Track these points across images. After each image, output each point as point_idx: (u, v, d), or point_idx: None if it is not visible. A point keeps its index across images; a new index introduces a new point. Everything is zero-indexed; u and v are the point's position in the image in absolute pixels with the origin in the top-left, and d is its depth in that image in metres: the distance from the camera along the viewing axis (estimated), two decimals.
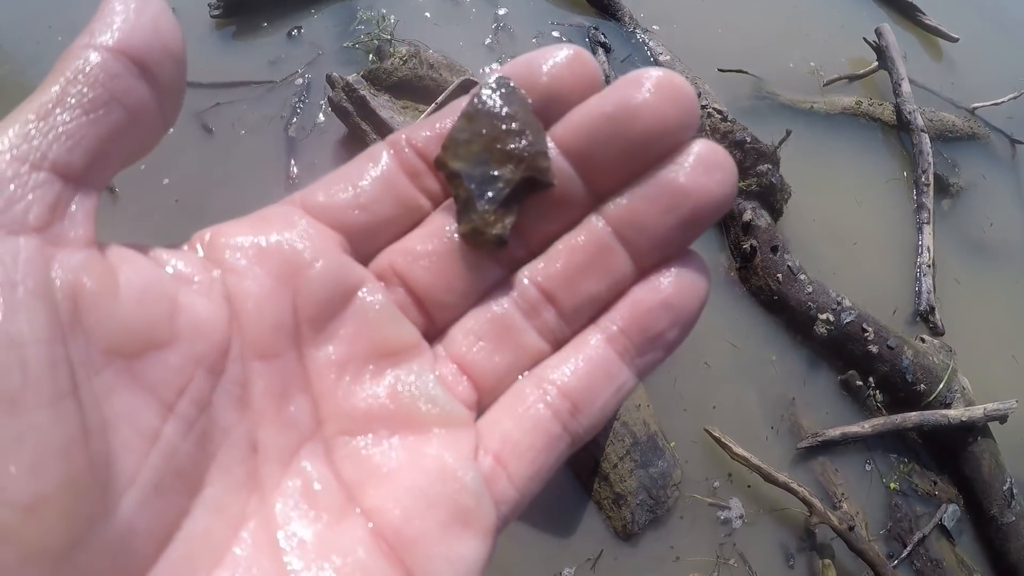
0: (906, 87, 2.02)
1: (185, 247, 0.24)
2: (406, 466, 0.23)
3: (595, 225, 0.26)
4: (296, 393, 0.24)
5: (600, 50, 1.94)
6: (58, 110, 0.20)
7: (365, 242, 0.26)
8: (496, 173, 0.25)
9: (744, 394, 1.49)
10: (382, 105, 1.59)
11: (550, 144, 0.25)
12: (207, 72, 1.74)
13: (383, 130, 1.57)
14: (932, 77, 2.20)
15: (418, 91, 1.70)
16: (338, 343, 0.25)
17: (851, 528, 1.32)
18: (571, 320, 0.26)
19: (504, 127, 0.25)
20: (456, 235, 0.26)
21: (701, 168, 0.24)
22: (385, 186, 0.26)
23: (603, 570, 1.26)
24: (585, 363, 0.25)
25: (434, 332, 0.26)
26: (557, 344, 0.26)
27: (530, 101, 0.26)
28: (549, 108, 0.26)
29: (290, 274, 0.24)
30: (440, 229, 0.26)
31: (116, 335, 0.20)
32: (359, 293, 0.25)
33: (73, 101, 0.20)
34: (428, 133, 0.26)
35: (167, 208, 1.52)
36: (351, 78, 1.59)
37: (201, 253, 0.24)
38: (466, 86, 1.47)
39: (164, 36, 0.22)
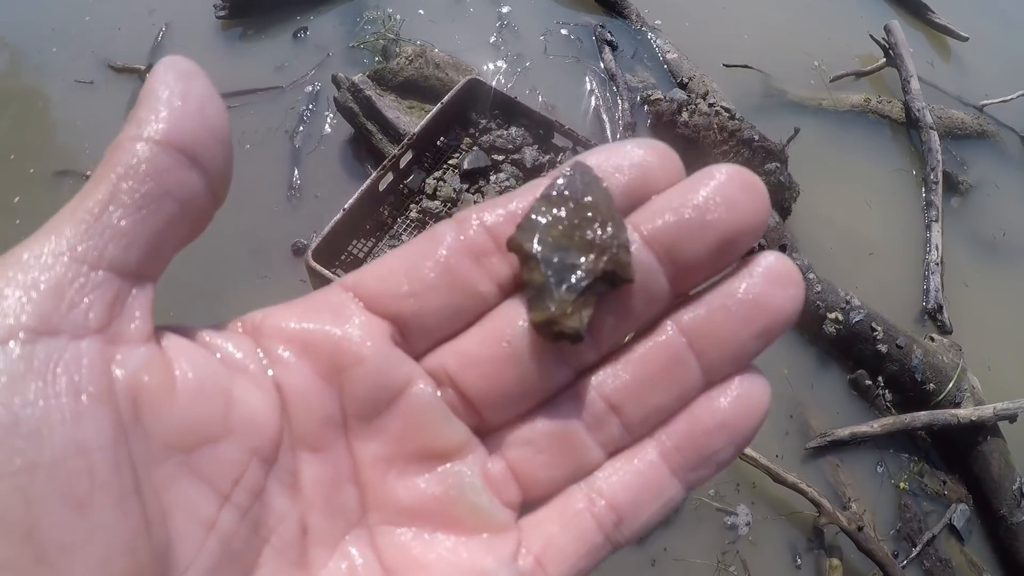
0: (915, 84, 2.01)
1: (239, 326, 0.24)
2: (446, 562, 0.24)
3: (670, 334, 0.25)
4: (345, 483, 0.24)
5: (607, 48, 1.94)
6: (111, 207, 0.20)
7: (418, 331, 0.25)
8: (577, 261, 0.24)
9: None
10: (388, 105, 1.59)
11: (631, 235, 0.24)
12: (214, 77, 1.74)
13: (389, 130, 1.57)
14: (942, 75, 2.18)
15: (424, 91, 1.69)
16: (386, 440, 0.25)
17: (860, 528, 1.31)
18: (634, 430, 0.26)
19: (587, 215, 0.24)
20: (526, 324, 0.24)
21: (777, 282, 0.24)
22: (443, 272, 0.24)
23: (606, 566, 1.26)
24: (637, 478, 0.25)
25: (486, 428, 0.26)
26: (615, 451, 0.26)
27: (610, 191, 0.24)
28: (632, 199, 0.25)
29: (335, 372, 0.24)
30: (500, 331, 0.25)
31: (174, 432, 0.21)
32: (408, 391, 0.24)
33: (126, 198, 0.20)
34: (501, 212, 0.25)
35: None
36: (356, 78, 1.59)
37: (251, 342, 0.24)
38: (472, 87, 1.47)
39: (211, 122, 0.22)
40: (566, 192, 0.24)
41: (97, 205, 0.20)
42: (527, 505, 0.26)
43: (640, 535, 0.26)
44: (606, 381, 0.25)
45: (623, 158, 0.25)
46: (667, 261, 0.24)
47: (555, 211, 0.24)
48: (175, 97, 0.21)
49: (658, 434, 0.26)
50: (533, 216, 0.24)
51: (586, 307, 0.24)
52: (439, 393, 0.25)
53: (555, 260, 0.24)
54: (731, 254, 0.24)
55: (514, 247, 0.24)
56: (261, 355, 0.24)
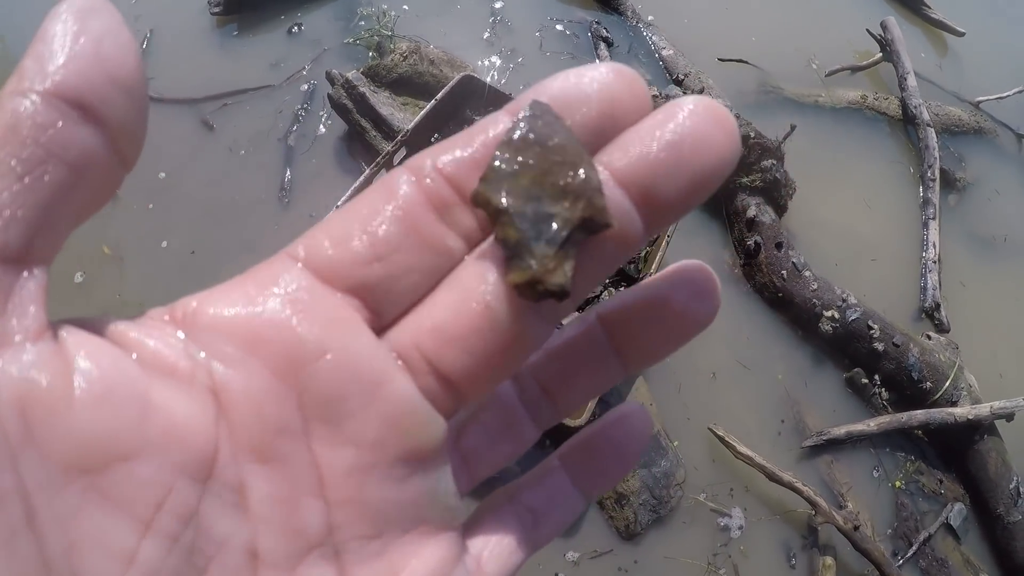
0: (912, 81, 2.00)
1: (166, 316, 0.21)
2: (420, 570, 0.23)
3: (597, 331, 0.25)
4: (305, 497, 0.21)
5: (603, 45, 1.93)
6: None
7: (387, 300, 0.22)
8: (552, 211, 0.22)
9: (749, 399, 1.48)
10: (382, 102, 1.58)
11: (603, 174, 0.22)
12: (210, 74, 1.73)
13: (383, 127, 1.56)
14: (938, 72, 2.17)
15: (418, 87, 1.68)
16: (361, 447, 0.21)
17: (856, 528, 1.31)
18: (561, 413, 0.27)
19: (554, 158, 0.21)
20: (502, 287, 0.22)
21: (696, 294, 0.24)
22: (408, 229, 0.21)
23: (601, 566, 1.25)
24: (547, 489, 0.27)
25: (458, 406, 0.23)
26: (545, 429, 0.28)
27: (572, 129, 0.22)
28: (597, 134, 0.22)
29: (293, 368, 0.20)
30: (475, 296, 0.22)
31: (74, 449, 0.17)
32: (386, 388, 0.21)
33: (4, 167, 0.17)
34: (460, 155, 0.22)
35: (180, 255, 1.51)
36: (351, 75, 1.58)
37: (182, 335, 0.20)
38: (466, 83, 1.46)
39: (109, 64, 0.17)
40: (529, 135, 0.22)
41: None
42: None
43: (553, 536, 0.27)
44: (540, 363, 0.26)
45: (586, 87, 0.22)
46: (642, 203, 0.22)
47: (520, 157, 0.22)
48: (65, 38, 0.17)
49: (564, 447, 0.27)
50: (497, 165, 0.21)
51: (567, 260, 0.22)
52: (417, 385, 0.22)
53: (529, 212, 0.21)
54: (704, 193, 0.22)
55: (481, 202, 0.21)
56: (196, 351, 0.20)
